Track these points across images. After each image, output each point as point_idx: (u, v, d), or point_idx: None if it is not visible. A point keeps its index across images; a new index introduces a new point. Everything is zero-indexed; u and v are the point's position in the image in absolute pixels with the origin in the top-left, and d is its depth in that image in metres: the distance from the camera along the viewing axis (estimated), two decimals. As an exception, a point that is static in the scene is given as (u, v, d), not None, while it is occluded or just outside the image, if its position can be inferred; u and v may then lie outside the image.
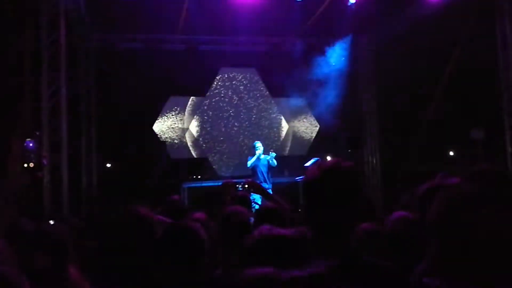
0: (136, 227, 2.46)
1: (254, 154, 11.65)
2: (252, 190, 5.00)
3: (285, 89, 14.95)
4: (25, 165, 8.81)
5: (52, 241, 2.55)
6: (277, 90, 15.58)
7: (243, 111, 15.57)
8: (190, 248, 2.35)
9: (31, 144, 8.85)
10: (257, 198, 8.96)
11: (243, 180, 10.69)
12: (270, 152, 11.81)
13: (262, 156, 11.56)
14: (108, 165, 15.26)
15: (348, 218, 2.06)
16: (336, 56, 14.17)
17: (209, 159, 15.25)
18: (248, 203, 4.67)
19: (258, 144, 11.71)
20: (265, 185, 10.77)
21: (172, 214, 4.44)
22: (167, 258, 2.33)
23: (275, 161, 11.66)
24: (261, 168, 11.52)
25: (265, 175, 11.53)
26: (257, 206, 5.98)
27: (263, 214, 3.76)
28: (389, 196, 13.24)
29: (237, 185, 5.52)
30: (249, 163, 11.55)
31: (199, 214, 3.92)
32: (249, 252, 2.00)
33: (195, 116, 15.28)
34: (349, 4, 12.38)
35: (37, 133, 9.39)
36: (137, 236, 2.42)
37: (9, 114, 9.20)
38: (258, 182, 10.43)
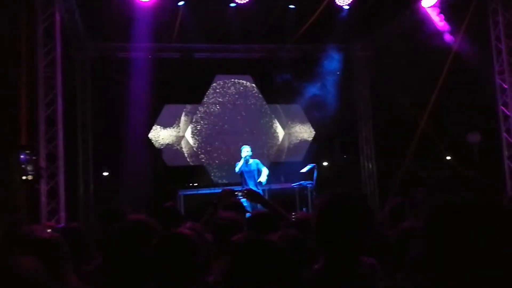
0: (139, 236, 2.50)
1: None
2: (249, 198, 5.01)
3: (281, 95, 15.01)
4: (24, 177, 8.79)
5: (48, 246, 2.58)
6: (272, 97, 15.63)
7: (239, 118, 15.59)
8: (184, 256, 2.37)
9: (28, 157, 8.83)
10: (247, 205, 8.95)
11: (241, 187, 10.76)
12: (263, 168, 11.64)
13: (251, 161, 11.42)
14: (105, 173, 15.26)
15: (355, 246, 2.14)
16: (330, 62, 14.20)
17: (205, 166, 15.27)
18: (242, 209, 4.68)
19: (245, 149, 11.44)
20: (255, 190, 10.63)
21: (167, 221, 4.44)
22: (160, 266, 2.35)
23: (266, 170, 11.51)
24: (248, 173, 11.37)
25: (254, 180, 11.38)
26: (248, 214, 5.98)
27: (256, 220, 3.78)
28: (385, 202, 13.24)
29: (236, 193, 5.53)
30: (237, 168, 11.38)
31: (190, 224, 3.94)
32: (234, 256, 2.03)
33: (190, 124, 15.32)
34: (343, 10, 12.43)
35: (35, 145, 9.39)
36: (139, 244, 2.46)
37: (6, 126, 9.21)
38: (248, 187, 10.40)
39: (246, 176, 11.31)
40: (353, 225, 2.12)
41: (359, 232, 2.14)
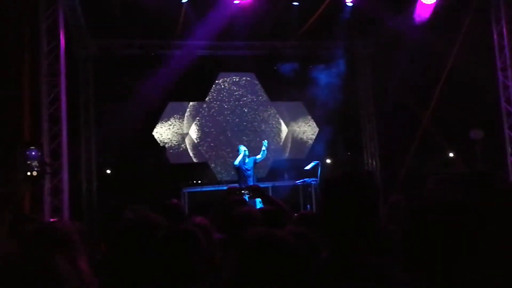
0: (146, 232, 2.50)
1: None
2: (253, 194, 5.03)
3: (284, 93, 15.00)
4: (28, 173, 8.79)
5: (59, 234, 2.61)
6: (276, 94, 15.63)
7: (242, 115, 15.60)
8: (190, 252, 2.37)
9: (33, 153, 8.84)
10: (256, 202, 8.98)
11: (238, 185, 10.81)
12: (263, 141, 11.86)
13: (247, 160, 11.55)
14: (108, 171, 15.26)
15: (362, 223, 2.12)
16: (334, 59, 14.18)
17: (209, 163, 15.28)
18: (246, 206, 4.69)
19: (243, 147, 11.80)
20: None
21: (172, 218, 4.45)
22: (166, 261, 2.35)
23: (265, 152, 11.69)
24: (247, 171, 11.49)
25: (251, 178, 11.47)
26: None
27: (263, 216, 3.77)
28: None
29: (242, 191, 5.59)
30: (236, 161, 11.57)
31: (199, 219, 3.95)
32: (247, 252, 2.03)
33: (194, 121, 15.32)
34: (346, 7, 12.42)
35: (40, 141, 9.38)
36: (146, 240, 2.47)
37: (10, 123, 9.22)
38: (244, 184, 10.53)
39: (244, 174, 11.40)
40: (360, 203, 2.09)
41: (366, 210, 2.10)
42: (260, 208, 5.04)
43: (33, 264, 1.49)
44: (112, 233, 2.82)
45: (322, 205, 2.19)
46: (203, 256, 2.40)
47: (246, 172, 11.45)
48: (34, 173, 8.81)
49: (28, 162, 8.86)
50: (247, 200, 8.59)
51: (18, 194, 8.89)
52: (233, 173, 15.02)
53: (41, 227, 2.86)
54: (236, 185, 10.87)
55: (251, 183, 11.08)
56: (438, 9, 11.70)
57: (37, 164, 8.99)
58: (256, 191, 4.86)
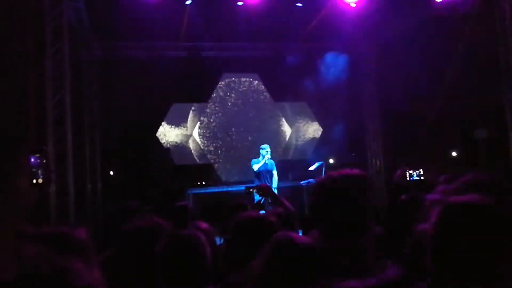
0: (154, 237, 2.51)
1: (259, 157, 11.40)
2: (261, 193, 5.04)
3: (288, 93, 15.01)
4: (34, 181, 8.77)
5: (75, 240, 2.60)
6: (279, 95, 15.63)
7: (246, 116, 15.61)
8: (192, 259, 2.37)
9: (38, 160, 8.81)
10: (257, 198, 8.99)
11: (249, 185, 10.76)
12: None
13: (268, 161, 11.37)
14: (111, 172, 15.28)
15: (359, 219, 2.11)
16: (337, 59, 14.18)
17: (213, 165, 15.29)
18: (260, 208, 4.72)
19: (266, 149, 11.32)
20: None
21: (180, 220, 4.48)
22: (169, 269, 2.36)
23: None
24: (266, 173, 11.34)
25: (269, 179, 11.36)
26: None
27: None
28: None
29: (251, 190, 5.63)
30: (256, 167, 11.23)
31: (202, 224, 3.97)
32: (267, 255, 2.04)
33: (198, 122, 15.34)
34: (350, 8, 12.42)
35: (45, 147, 9.35)
36: (149, 245, 2.46)
37: (15, 128, 9.21)
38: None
39: (261, 175, 11.28)
40: (353, 203, 2.08)
41: (360, 211, 2.09)
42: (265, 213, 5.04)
43: (51, 272, 1.49)
44: (117, 238, 2.81)
45: (315, 207, 2.18)
46: (207, 262, 2.40)
47: (264, 173, 11.27)
48: (40, 181, 8.79)
49: (33, 169, 8.84)
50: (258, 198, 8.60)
51: (26, 202, 8.88)
52: (236, 174, 15.05)
53: (55, 233, 2.85)
54: (251, 185, 10.80)
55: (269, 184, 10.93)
56: (442, 7, 11.70)
57: (41, 172, 8.96)
58: (263, 189, 4.87)
